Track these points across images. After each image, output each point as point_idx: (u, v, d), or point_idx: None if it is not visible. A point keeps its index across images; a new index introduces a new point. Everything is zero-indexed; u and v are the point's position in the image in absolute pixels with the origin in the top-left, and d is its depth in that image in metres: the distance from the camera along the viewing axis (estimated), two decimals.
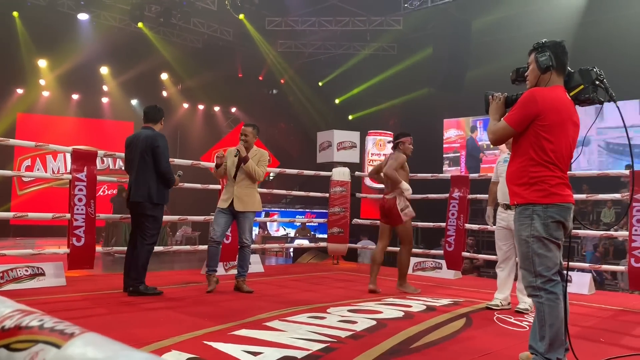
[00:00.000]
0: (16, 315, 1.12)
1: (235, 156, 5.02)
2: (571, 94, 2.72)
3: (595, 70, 2.71)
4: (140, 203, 4.74)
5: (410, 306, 4.41)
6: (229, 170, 5.06)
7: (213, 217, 5.16)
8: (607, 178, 6.92)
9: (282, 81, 18.27)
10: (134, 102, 16.56)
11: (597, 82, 2.69)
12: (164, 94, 16.87)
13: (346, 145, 7.59)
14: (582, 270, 6.32)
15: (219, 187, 6.05)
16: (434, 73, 14.11)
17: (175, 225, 13.54)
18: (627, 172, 6.62)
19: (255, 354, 2.85)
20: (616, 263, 9.72)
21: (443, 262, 6.55)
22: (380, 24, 15.05)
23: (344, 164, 7.61)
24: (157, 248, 7.62)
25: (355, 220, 7.91)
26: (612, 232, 6.05)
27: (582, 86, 2.70)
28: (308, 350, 2.95)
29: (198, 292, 4.92)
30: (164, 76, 16.50)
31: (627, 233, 5.34)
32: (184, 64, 16.01)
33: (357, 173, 7.97)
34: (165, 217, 8.16)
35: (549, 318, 2.59)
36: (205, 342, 3.07)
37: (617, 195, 6.28)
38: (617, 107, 2.75)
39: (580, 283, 5.54)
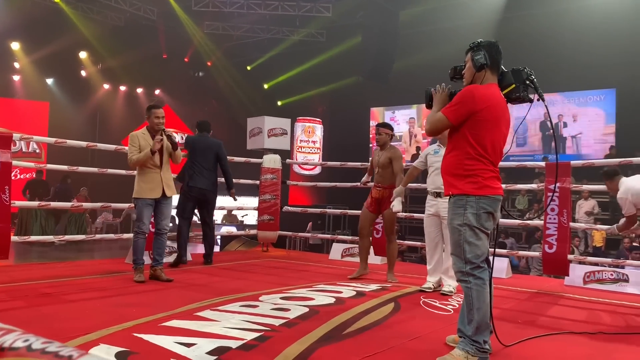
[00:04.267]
0: None
1: (160, 141, 4.81)
2: (504, 92, 2.86)
3: (525, 70, 2.85)
4: (211, 190, 5.98)
5: (340, 292, 4.48)
6: (151, 158, 4.78)
7: (137, 209, 4.87)
8: (521, 167, 7.31)
9: (208, 64, 17.84)
10: (49, 81, 15.57)
11: (528, 82, 2.84)
12: (83, 73, 15.98)
13: (277, 132, 7.52)
14: (500, 255, 6.67)
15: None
16: (362, 62, 14.30)
17: (94, 212, 12.97)
18: (542, 163, 7.06)
19: (188, 345, 2.79)
20: (527, 248, 10.38)
21: (370, 248, 6.69)
22: (310, 10, 15.03)
23: (275, 151, 7.56)
24: (76, 236, 7.31)
25: (286, 208, 7.91)
26: (529, 222, 6.43)
27: (513, 85, 2.84)
28: (242, 339, 2.93)
29: (123, 282, 4.75)
30: (83, 55, 15.62)
31: (541, 222, 5.69)
32: (105, 43, 15.23)
33: (287, 160, 7.96)
34: (86, 204, 7.83)
35: (477, 302, 2.73)
36: (135, 334, 2.97)
37: (534, 185, 6.67)
38: (545, 105, 2.93)
39: (498, 268, 5.85)
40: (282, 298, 4.14)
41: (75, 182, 12.38)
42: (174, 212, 5.66)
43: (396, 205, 4.84)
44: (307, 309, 3.74)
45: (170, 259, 5.91)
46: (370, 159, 5.62)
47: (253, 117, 7.82)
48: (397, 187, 4.94)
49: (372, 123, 17.05)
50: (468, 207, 2.75)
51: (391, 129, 5.39)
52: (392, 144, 5.37)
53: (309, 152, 17.01)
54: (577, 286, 5.36)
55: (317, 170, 16.82)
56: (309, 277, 5.45)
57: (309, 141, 17.08)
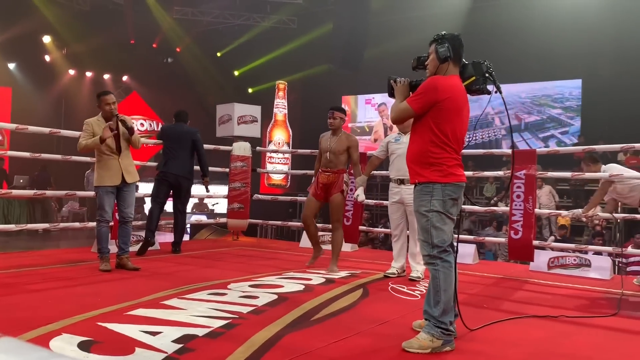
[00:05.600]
0: None
1: (113, 129, 4.71)
2: (464, 83, 2.95)
3: (485, 63, 2.95)
4: (186, 177, 5.93)
5: (310, 279, 4.48)
6: (106, 144, 4.68)
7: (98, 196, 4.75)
8: (489, 156, 7.45)
9: (178, 50, 17.52)
10: (11, 65, 15.08)
11: (487, 75, 2.93)
12: (47, 58, 15.53)
13: (247, 120, 7.44)
14: (467, 242, 6.77)
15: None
16: (333, 50, 14.24)
17: (60, 200, 12.69)
18: (508, 151, 7.16)
19: (154, 333, 2.76)
20: (496, 235, 10.56)
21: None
22: None
23: (245, 139, 7.49)
24: (41, 225, 7.13)
25: (256, 196, 7.86)
26: (494, 208, 6.53)
27: (474, 77, 2.94)
28: (209, 327, 2.91)
29: (88, 271, 4.66)
30: (47, 39, 15.17)
31: (506, 208, 5.79)
32: (70, 27, 14.81)
33: (257, 148, 7.89)
34: (50, 192, 7.65)
35: (444, 284, 2.81)
36: (99, 323, 2.92)
37: (500, 173, 6.77)
38: (503, 98, 3.02)
39: (466, 254, 5.95)
40: (250, 286, 4.12)
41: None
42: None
43: (361, 194, 4.72)
44: (275, 296, 3.74)
45: (137, 247, 5.82)
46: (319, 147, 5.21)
47: (222, 104, 7.72)
48: (360, 177, 4.84)
49: (346, 107, 17.04)
50: (434, 194, 2.83)
51: (345, 112, 5.21)
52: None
53: (278, 162, 16.97)
54: (541, 271, 5.49)
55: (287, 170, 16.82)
56: (279, 265, 5.44)
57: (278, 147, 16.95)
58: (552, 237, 9.69)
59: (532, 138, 14.25)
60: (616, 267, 6.38)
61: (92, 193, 5.86)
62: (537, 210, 5.62)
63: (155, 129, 17.14)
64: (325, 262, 5.28)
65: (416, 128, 2.95)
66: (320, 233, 6.90)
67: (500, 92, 2.97)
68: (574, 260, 5.47)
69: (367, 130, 16.87)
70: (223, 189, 7.81)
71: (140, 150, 6.90)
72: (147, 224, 5.87)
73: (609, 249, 5.75)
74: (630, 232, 8.57)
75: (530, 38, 12.83)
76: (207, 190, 6.44)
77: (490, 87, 2.98)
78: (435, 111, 2.82)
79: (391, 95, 3.14)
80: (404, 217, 4.81)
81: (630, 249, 6.34)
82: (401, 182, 4.73)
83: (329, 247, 5.36)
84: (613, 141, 5.98)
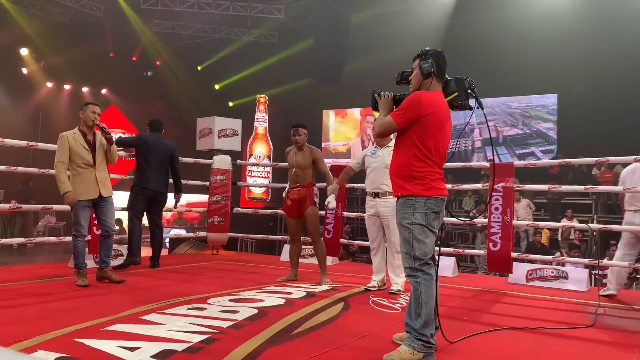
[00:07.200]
0: None
1: (93, 138, 4.72)
2: (447, 99, 2.99)
3: (468, 79, 3.00)
4: (163, 192, 5.98)
5: (291, 293, 4.47)
6: (80, 156, 4.65)
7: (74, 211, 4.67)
8: (468, 169, 7.54)
9: (157, 63, 17.45)
10: None
11: (469, 91, 2.98)
12: (24, 70, 15.33)
13: (227, 133, 7.43)
14: (447, 254, 6.81)
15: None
16: (314, 64, 14.33)
17: (37, 214, 12.47)
18: (487, 164, 7.26)
19: (132, 349, 2.72)
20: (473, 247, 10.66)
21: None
22: (262, 11, 14.96)
23: (225, 152, 7.47)
24: (17, 240, 6.99)
25: (237, 209, 7.83)
26: (474, 220, 6.60)
27: (456, 93, 2.98)
28: (189, 342, 2.88)
29: (65, 286, 4.57)
30: (24, 51, 14.99)
31: (485, 220, 5.86)
32: (48, 40, 14.65)
33: (238, 161, 7.87)
34: (26, 206, 7.52)
35: (425, 296, 2.82)
36: (76, 339, 2.87)
37: (478, 186, 6.86)
38: (484, 114, 3.08)
39: (445, 266, 5.98)
40: (231, 300, 4.09)
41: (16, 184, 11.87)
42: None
43: (332, 202, 4.84)
44: (256, 311, 3.71)
45: (115, 262, 5.74)
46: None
47: (203, 118, 7.70)
48: (332, 185, 4.94)
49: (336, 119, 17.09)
50: (417, 207, 2.86)
51: (306, 128, 5.32)
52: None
53: (258, 176, 16.91)
54: (520, 284, 5.55)
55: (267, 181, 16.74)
56: (260, 279, 5.41)
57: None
58: (558, 253, 9.76)
59: (507, 153, 14.15)
60: (593, 278, 6.47)
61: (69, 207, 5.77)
62: (515, 222, 5.69)
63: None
64: (302, 279, 5.29)
65: (400, 142, 2.98)
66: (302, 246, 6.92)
67: (482, 108, 3.02)
68: (552, 272, 5.54)
69: (345, 152, 16.80)
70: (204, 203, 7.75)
71: (118, 164, 6.81)
72: (132, 243, 5.78)
73: (586, 260, 5.83)
74: (606, 245, 8.72)
75: (507, 54, 13.04)
76: (175, 207, 6.40)
77: (472, 103, 3.03)
78: (419, 126, 2.86)
79: (375, 108, 3.18)
80: (381, 230, 4.83)
81: (606, 261, 6.45)
82: (376, 195, 4.75)
83: (311, 260, 5.36)
84: (589, 155, 6.10)
